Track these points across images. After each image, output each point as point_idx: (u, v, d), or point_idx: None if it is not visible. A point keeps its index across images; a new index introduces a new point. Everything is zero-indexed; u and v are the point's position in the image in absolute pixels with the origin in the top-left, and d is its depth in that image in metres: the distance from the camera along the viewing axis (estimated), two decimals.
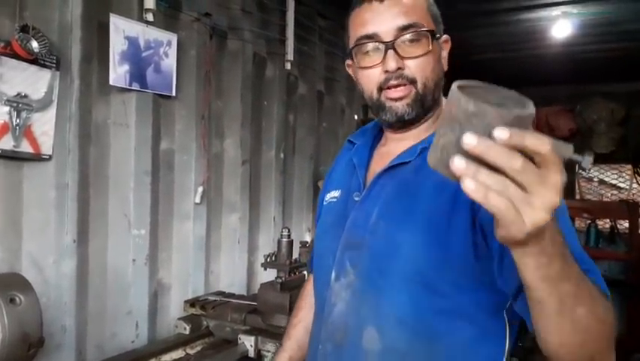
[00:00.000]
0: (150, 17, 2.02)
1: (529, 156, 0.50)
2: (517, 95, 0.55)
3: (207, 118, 2.39)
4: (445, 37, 0.95)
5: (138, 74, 1.99)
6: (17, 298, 1.29)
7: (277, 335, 1.88)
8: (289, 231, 2.08)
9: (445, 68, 0.94)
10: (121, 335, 2.03)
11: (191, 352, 1.95)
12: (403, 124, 0.93)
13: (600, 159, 5.21)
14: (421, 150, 0.89)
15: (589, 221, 5.05)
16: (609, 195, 5.43)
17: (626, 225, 4.79)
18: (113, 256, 2.00)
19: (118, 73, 1.92)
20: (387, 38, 0.88)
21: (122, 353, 1.90)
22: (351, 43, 0.93)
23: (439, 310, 0.84)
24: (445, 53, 0.94)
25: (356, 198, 0.95)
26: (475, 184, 0.50)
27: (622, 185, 5.39)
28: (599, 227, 5.00)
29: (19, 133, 1.60)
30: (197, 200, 2.33)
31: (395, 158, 0.92)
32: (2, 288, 1.28)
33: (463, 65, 4.60)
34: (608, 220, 5.10)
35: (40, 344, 1.35)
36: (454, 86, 0.54)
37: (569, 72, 4.58)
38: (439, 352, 0.84)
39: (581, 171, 0.77)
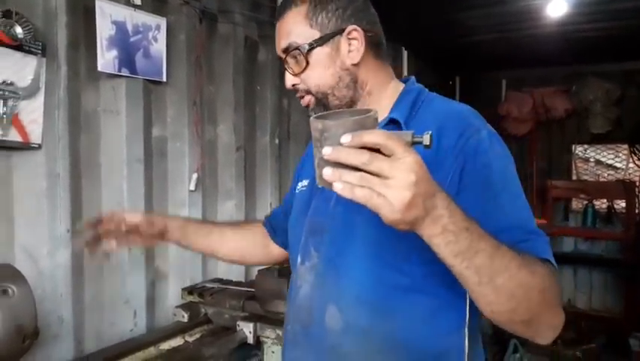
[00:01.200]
0: (138, 1, 1.97)
1: (377, 150, 0.60)
2: (365, 109, 0.68)
3: (199, 104, 2.35)
4: (349, 28, 0.95)
5: (127, 60, 1.95)
6: (10, 290, 1.27)
7: (276, 321, 1.87)
8: None
9: (354, 60, 0.96)
10: (119, 324, 2.02)
11: (190, 339, 1.94)
12: None
13: (597, 140, 5.21)
14: None
15: (586, 202, 5.06)
16: (606, 175, 5.43)
17: (623, 205, 4.80)
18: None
19: (106, 59, 1.88)
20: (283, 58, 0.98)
21: (121, 342, 1.89)
22: None
23: (395, 286, 0.88)
24: (354, 44, 0.95)
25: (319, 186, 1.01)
26: (342, 184, 0.60)
27: (618, 165, 5.38)
28: (596, 207, 5.02)
29: (7, 122, 1.57)
30: (192, 187, 2.30)
31: None
32: None
33: (456, 48, 4.60)
34: (605, 200, 5.11)
35: (35, 335, 1.33)
36: (311, 118, 0.66)
37: (564, 52, 4.53)
38: (399, 325, 0.88)
39: (423, 145, 0.79)
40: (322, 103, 0.97)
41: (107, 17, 1.86)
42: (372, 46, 0.97)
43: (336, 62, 0.96)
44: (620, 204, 4.95)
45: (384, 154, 0.60)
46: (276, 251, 1.32)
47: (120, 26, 1.91)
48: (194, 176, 2.30)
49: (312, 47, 0.94)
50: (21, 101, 1.61)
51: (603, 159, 5.48)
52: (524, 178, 5.54)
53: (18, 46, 1.57)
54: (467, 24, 3.98)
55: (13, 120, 1.59)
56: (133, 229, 1.14)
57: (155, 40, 2.06)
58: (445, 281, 0.86)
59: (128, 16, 1.94)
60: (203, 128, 2.41)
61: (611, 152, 5.41)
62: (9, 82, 1.57)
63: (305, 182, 1.09)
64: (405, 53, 4.17)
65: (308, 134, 2.62)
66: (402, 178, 0.59)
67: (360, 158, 0.59)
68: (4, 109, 1.56)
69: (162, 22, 2.09)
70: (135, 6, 1.97)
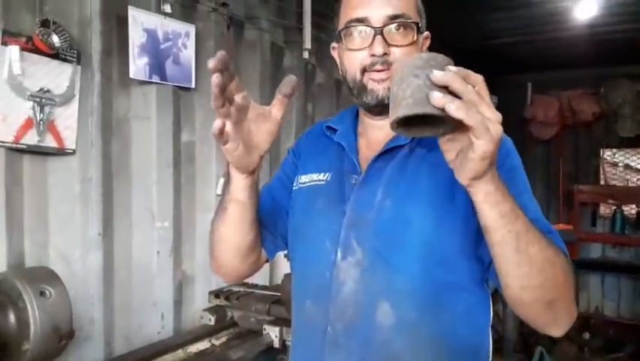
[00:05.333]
0: (168, 9, 2.01)
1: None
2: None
3: None
4: (426, 33, 0.98)
5: (157, 67, 1.99)
6: (47, 292, 1.30)
7: None
8: None
9: None
10: (147, 326, 2.06)
11: (217, 343, 1.96)
12: (382, 108, 0.93)
13: (625, 144, 5.09)
14: None
15: (614, 207, 4.95)
16: (635, 180, 5.30)
17: None
18: (137, 248, 2.01)
19: (137, 66, 1.92)
20: (377, 24, 0.91)
21: (149, 345, 1.92)
22: (341, 25, 0.96)
23: (445, 282, 0.89)
24: (424, 49, 0.99)
25: (353, 181, 0.96)
26: (455, 104, 0.61)
27: None
28: (625, 213, 4.90)
29: (43, 128, 1.61)
30: (219, 191, 2.32)
31: (389, 141, 0.95)
32: (32, 281, 1.30)
33: (482, 50, 4.55)
34: (634, 206, 4.99)
35: (70, 336, 1.36)
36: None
37: (592, 54, 4.45)
38: (446, 320, 0.89)
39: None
40: None
41: (138, 25, 1.90)
42: None
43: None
44: None
45: None
46: (262, 260, 1.09)
47: (151, 34, 1.95)
48: (221, 180, 2.33)
49: (419, 29, 0.94)
50: (57, 108, 1.66)
51: (632, 164, 5.35)
52: (549, 183, 5.45)
53: (55, 54, 1.62)
54: (492, 27, 3.94)
55: (49, 126, 1.64)
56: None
57: (185, 47, 2.09)
58: (479, 280, 0.92)
59: (159, 24, 1.98)
60: None
61: None
62: (46, 89, 1.62)
63: (321, 175, 1.02)
64: None
65: None
66: (496, 114, 0.64)
67: (467, 88, 0.63)
68: (41, 115, 1.61)
69: (191, 29, 2.12)
70: (165, 14, 2.01)
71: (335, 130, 1.05)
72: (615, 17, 3.54)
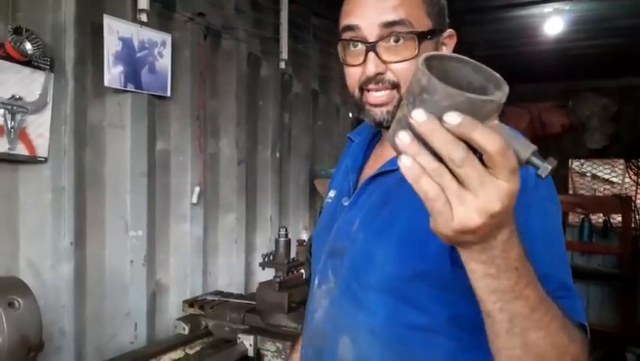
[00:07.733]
0: (144, 18, 2.01)
1: (477, 150, 0.46)
2: (497, 78, 0.49)
3: (203, 118, 2.38)
4: (448, 32, 0.86)
5: (133, 75, 1.99)
6: (16, 302, 1.28)
7: (276, 334, 1.88)
8: (287, 230, 2.09)
9: None
10: (120, 336, 2.03)
11: (191, 352, 1.95)
12: (386, 128, 0.87)
13: (593, 155, 5.26)
14: None
15: (582, 216, 5.09)
16: (602, 189, 5.47)
17: (619, 219, 4.83)
18: (110, 257, 1.99)
19: (112, 74, 1.91)
20: (371, 36, 0.80)
21: (121, 355, 1.90)
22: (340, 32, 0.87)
23: (415, 325, 0.80)
24: (447, 50, 0.86)
25: (345, 203, 0.93)
26: (411, 162, 0.47)
27: (615, 180, 5.44)
28: (593, 222, 5.05)
29: (14, 135, 1.59)
30: (194, 200, 2.32)
31: (384, 164, 0.88)
32: (0, 292, 1.28)
33: None
34: (601, 215, 5.15)
35: (40, 347, 1.34)
36: (424, 55, 0.49)
37: (561, 68, 4.60)
38: None
39: (538, 174, 0.45)
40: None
41: (114, 33, 1.90)
42: None
43: None
44: (617, 218, 4.99)
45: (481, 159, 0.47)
46: None
47: (127, 42, 1.95)
48: (197, 189, 2.33)
49: (425, 37, 0.79)
50: (29, 116, 1.64)
51: (600, 174, 5.53)
52: None
53: (27, 61, 1.60)
54: (464, 40, 4.03)
55: (21, 134, 1.62)
56: None
57: (161, 55, 2.09)
58: (472, 323, 0.75)
59: (135, 33, 1.98)
60: (206, 142, 2.44)
61: (607, 167, 5.47)
62: (17, 97, 1.60)
63: (332, 193, 1.01)
64: None
65: (309, 148, 2.65)
66: (483, 203, 0.47)
67: (453, 153, 0.46)
68: (12, 123, 1.59)
69: (167, 38, 2.13)
70: (142, 22, 2.01)
71: (353, 142, 1.02)
72: (581, 34, 3.67)
